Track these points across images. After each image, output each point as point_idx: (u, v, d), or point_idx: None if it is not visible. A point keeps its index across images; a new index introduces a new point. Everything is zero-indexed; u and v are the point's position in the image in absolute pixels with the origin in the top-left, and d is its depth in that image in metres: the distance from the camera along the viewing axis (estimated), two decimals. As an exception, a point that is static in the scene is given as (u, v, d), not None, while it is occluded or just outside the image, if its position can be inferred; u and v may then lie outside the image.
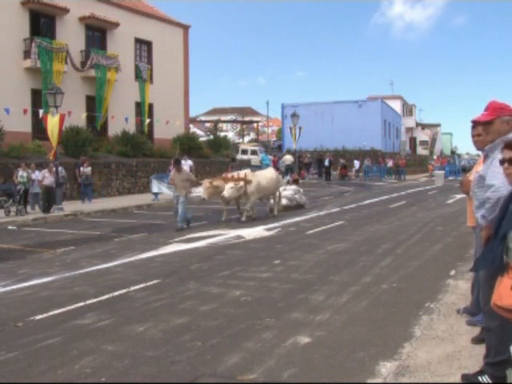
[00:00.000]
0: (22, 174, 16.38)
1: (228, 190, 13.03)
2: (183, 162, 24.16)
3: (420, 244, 9.86)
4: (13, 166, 18.11)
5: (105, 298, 6.28)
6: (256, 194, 13.90)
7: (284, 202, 16.15)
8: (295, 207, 16.48)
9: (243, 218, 13.65)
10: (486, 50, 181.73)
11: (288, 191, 16.73)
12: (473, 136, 4.36)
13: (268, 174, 14.86)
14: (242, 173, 14.21)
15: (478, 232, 4.42)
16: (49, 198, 16.33)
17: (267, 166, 32.49)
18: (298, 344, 4.57)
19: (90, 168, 19.95)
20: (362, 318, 5.28)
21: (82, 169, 19.71)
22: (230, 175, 13.99)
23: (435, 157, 54.88)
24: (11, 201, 15.64)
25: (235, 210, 14.53)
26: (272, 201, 15.20)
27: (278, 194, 15.27)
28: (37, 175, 16.68)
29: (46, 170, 16.64)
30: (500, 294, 2.96)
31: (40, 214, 15.75)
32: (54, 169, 16.55)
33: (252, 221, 13.69)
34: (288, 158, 32.29)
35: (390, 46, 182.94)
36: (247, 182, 13.46)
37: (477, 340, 4.41)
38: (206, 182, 13.90)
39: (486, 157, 3.67)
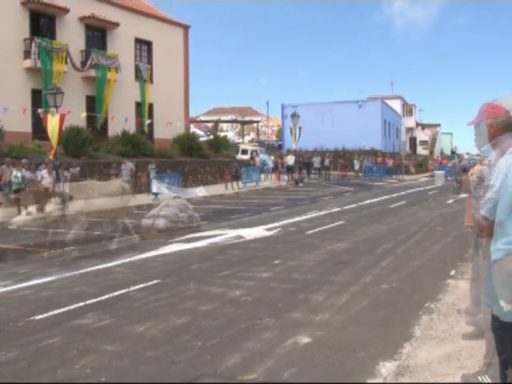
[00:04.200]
0: (16, 175, 15.67)
1: (20, 218, 9.16)
2: (123, 165, 22.16)
3: (420, 244, 9.87)
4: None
5: (105, 297, 6.28)
6: (83, 216, 10.16)
7: (161, 223, 11.92)
8: (180, 229, 12.00)
9: (112, 247, 10.05)
10: (486, 50, 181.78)
11: (171, 208, 12.30)
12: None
13: (106, 187, 10.71)
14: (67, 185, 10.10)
15: (476, 232, 4.43)
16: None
17: (267, 166, 32.63)
18: (297, 344, 4.57)
19: (78, 168, 19.01)
20: (362, 318, 5.28)
21: (70, 169, 18.57)
22: (43, 188, 9.61)
23: (435, 157, 54.92)
24: None
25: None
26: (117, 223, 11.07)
27: (124, 214, 11.44)
28: (37, 175, 16.63)
29: (45, 171, 16.56)
30: None
31: (40, 214, 15.70)
32: (54, 170, 16.53)
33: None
34: (289, 158, 32.32)
35: (390, 45, 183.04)
36: (64, 198, 9.30)
37: (469, 337, 4.47)
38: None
39: (483, 158, 3.67)
